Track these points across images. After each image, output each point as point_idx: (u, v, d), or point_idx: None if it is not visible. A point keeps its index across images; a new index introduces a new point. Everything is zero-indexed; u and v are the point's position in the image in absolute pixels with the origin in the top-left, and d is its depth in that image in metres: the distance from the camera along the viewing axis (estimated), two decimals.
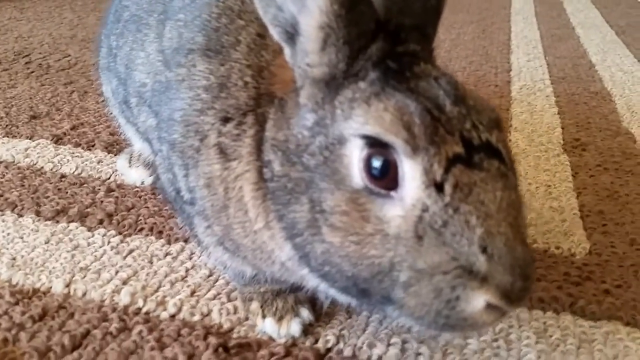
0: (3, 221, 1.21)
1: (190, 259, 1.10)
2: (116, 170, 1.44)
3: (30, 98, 1.95)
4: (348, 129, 0.64)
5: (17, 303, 0.97)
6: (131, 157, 1.41)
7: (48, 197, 1.32)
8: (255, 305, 0.94)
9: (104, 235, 1.17)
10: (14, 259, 1.09)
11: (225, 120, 0.79)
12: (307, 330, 0.92)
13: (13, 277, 1.04)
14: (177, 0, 0.97)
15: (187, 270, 1.06)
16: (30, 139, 1.62)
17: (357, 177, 0.64)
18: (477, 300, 0.60)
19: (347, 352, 0.89)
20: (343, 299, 0.74)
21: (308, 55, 0.67)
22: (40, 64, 2.34)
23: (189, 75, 0.85)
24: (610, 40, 2.85)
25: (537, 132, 1.73)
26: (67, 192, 1.34)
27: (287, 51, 0.71)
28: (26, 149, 1.55)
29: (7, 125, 1.71)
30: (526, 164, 1.53)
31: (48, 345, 0.88)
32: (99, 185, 1.37)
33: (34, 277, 1.04)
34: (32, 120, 1.76)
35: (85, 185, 1.38)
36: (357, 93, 0.65)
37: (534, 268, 0.62)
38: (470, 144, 0.62)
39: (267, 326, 0.91)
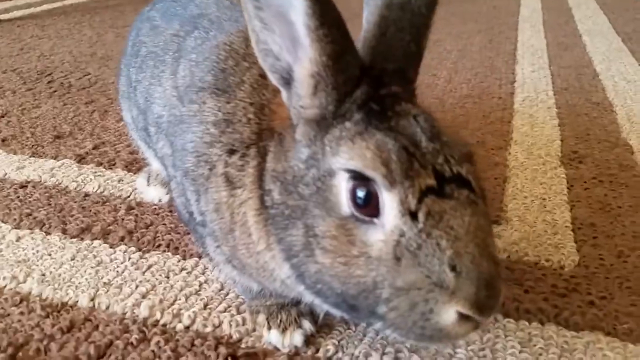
0: (32, 239, 1.32)
1: (204, 273, 1.19)
2: (136, 189, 1.54)
3: (54, 118, 2.07)
4: (335, 163, 0.73)
5: (47, 316, 1.07)
6: (149, 177, 1.51)
7: (73, 215, 1.42)
8: (261, 318, 1.03)
9: (125, 251, 1.27)
10: (43, 274, 1.19)
11: (231, 152, 0.89)
12: (309, 340, 1.01)
13: (43, 291, 1.14)
14: (190, 40, 1.08)
15: (200, 285, 1.16)
16: (55, 159, 1.73)
17: (345, 205, 0.72)
18: (448, 312, 0.68)
19: None
20: (336, 312, 0.82)
21: (301, 98, 0.76)
22: (62, 82, 2.46)
23: (200, 111, 0.94)
24: (616, 47, 2.89)
25: (536, 145, 1.80)
26: (90, 211, 1.44)
27: (283, 94, 0.80)
28: (51, 169, 1.66)
29: (32, 146, 1.83)
30: (524, 177, 1.60)
31: (76, 354, 0.98)
32: (120, 204, 1.47)
33: (62, 291, 1.14)
34: (56, 140, 1.88)
35: (107, 203, 1.48)
36: (344, 132, 0.74)
37: (500, 281, 0.70)
38: (442, 176, 0.71)
39: (272, 337, 1.00)
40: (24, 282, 1.17)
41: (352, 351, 0.99)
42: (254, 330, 1.04)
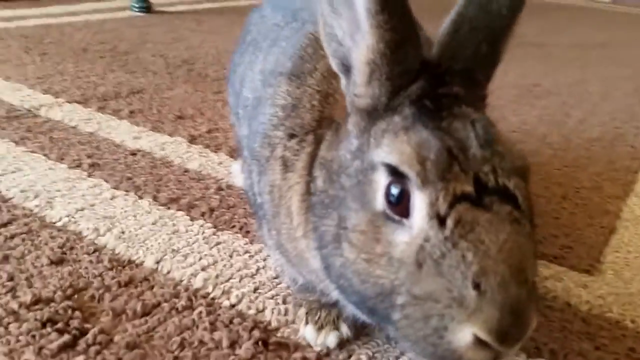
0: (125, 200, 1.42)
1: (264, 260, 1.20)
2: (230, 173, 1.60)
3: (182, 101, 2.21)
4: (376, 156, 0.70)
5: (111, 269, 1.14)
6: (244, 163, 1.56)
7: (168, 186, 1.51)
8: (302, 312, 1.02)
9: (202, 226, 1.33)
10: (122, 232, 1.27)
11: (291, 136, 0.89)
12: (343, 344, 0.98)
13: (117, 247, 1.22)
14: (286, 30, 1.10)
15: (257, 269, 1.17)
16: (170, 136, 1.85)
17: (380, 202, 0.69)
18: (464, 333, 0.62)
19: None
20: (359, 314, 0.79)
21: (356, 86, 0.74)
22: (200, 72, 2.63)
23: (274, 95, 0.96)
24: None
25: None
26: (184, 185, 1.52)
27: (342, 81, 0.79)
28: (163, 143, 1.77)
29: (155, 121, 1.97)
30: (634, 231, 1.44)
31: (124, 308, 1.03)
32: (212, 183, 1.54)
33: (133, 250, 1.21)
34: (177, 119, 2.01)
35: (201, 181, 1.55)
36: (390, 125, 0.71)
37: (530, 311, 0.62)
38: (484, 186, 0.65)
39: (307, 332, 0.99)
40: (103, 235, 1.25)
41: None
42: (293, 322, 1.03)
